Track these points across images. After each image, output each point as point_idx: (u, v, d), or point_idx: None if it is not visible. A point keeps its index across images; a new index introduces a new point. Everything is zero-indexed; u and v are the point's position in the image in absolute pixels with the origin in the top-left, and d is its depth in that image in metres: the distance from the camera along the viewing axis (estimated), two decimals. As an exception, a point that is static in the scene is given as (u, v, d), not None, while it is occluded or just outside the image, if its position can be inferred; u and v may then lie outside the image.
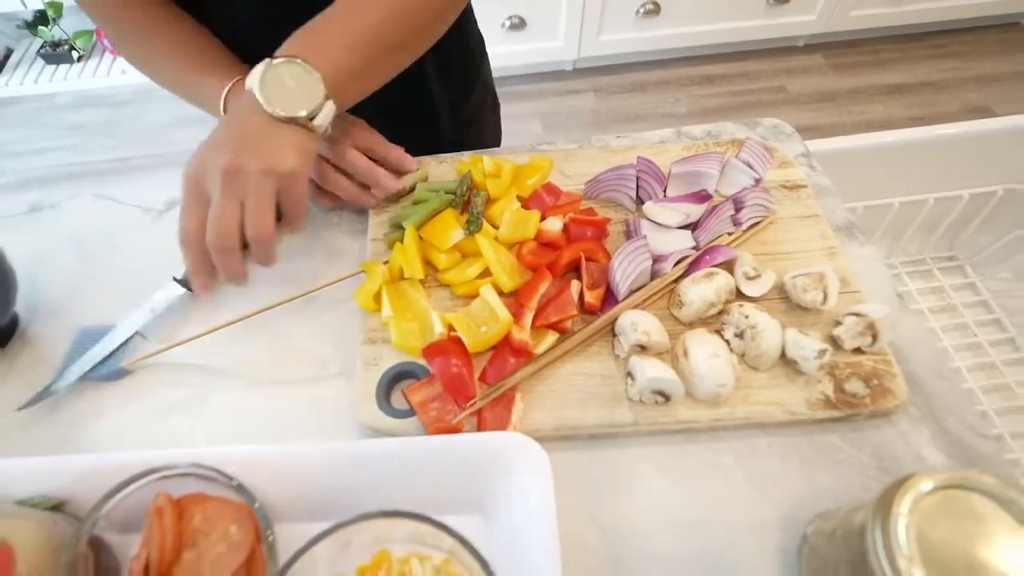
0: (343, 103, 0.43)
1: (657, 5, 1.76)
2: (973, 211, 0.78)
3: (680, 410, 0.41)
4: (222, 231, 0.39)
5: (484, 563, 0.31)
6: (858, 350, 0.43)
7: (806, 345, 0.41)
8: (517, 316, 0.43)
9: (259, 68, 0.40)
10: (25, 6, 1.71)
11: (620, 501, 0.39)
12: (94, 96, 2.00)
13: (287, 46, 0.42)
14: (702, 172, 0.51)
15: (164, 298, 0.48)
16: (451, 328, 0.43)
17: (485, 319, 0.42)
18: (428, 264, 0.48)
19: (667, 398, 0.40)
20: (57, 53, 1.96)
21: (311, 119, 0.41)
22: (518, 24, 1.75)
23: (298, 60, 0.40)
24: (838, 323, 0.43)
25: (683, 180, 0.51)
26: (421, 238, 0.48)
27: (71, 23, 1.89)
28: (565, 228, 0.48)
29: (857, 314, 0.43)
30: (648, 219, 0.49)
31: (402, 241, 0.47)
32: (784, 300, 0.46)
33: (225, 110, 0.48)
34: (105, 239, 0.55)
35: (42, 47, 1.97)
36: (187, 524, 0.33)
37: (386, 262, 0.47)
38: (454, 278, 0.46)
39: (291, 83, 0.40)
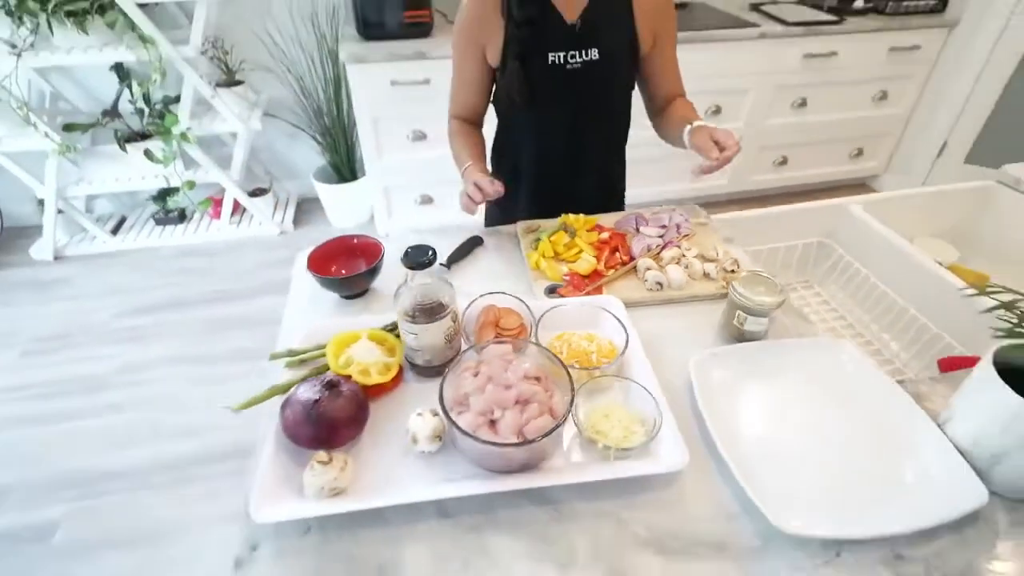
0: None
1: (616, 174, 2.72)
2: (809, 254, 1.54)
3: (666, 292, 1.08)
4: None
5: (623, 325, 0.95)
6: (732, 271, 1.13)
7: (711, 268, 1.11)
8: (597, 262, 1.12)
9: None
10: (168, 183, 2.49)
11: (644, 329, 1.04)
12: (192, 249, 2.72)
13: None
14: (662, 217, 1.25)
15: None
16: (571, 270, 1.11)
17: (585, 265, 1.11)
18: (555, 253, 1.17)
19: (661, 287, 1.08)
20: (168, 217, 2.72)
21: None
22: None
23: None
24: (724, 262, 1.14)
25: (655, 220, 1.25)
26: (550, 241, 1.18)
27: (194, 194, 2.67)
28: (609, 237, 1.19)
29: (732, 258, 1.14)
30: (643, 234, 1.22)
31: (541, 240, 1.17)
32: (701, 257, 1.17)
33: (463, 177, 1.21)
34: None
35: (156, 212, 2.73)
36: (497, 312, 0.96)
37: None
38: (566, 255, 1.15)
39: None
